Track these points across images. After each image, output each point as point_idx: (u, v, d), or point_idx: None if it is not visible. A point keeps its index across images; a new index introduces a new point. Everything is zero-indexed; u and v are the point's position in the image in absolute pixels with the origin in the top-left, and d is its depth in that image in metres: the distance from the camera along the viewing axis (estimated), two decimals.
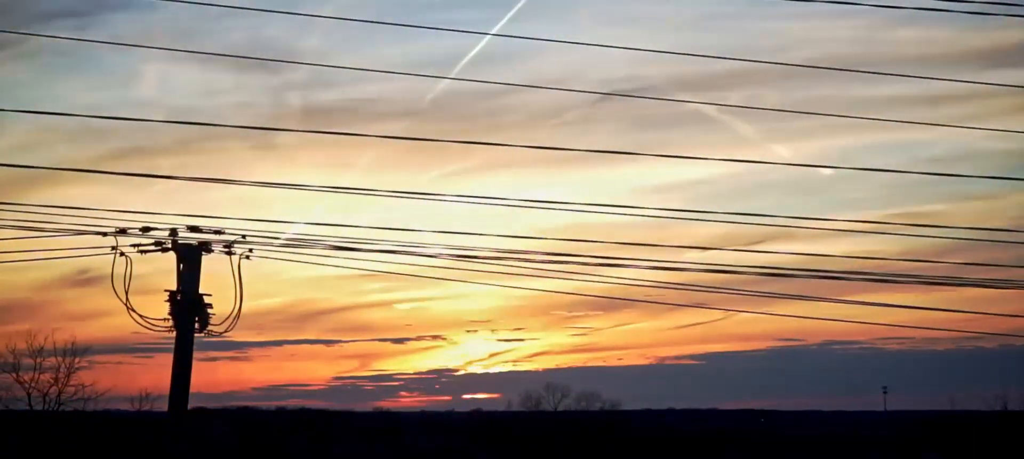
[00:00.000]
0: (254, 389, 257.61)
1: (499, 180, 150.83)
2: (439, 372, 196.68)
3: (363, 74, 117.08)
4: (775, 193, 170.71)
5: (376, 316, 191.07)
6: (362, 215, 25.55)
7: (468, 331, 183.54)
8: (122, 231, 23.01)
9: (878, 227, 30.66)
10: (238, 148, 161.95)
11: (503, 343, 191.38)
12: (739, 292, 27.60)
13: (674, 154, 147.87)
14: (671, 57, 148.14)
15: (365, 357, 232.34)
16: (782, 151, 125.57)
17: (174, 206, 24.46)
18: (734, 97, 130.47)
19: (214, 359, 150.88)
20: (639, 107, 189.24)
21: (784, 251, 27.88)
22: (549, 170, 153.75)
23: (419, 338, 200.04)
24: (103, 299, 24.06)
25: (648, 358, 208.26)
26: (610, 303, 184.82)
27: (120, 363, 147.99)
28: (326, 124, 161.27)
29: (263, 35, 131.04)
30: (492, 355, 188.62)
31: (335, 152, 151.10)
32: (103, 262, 23.14)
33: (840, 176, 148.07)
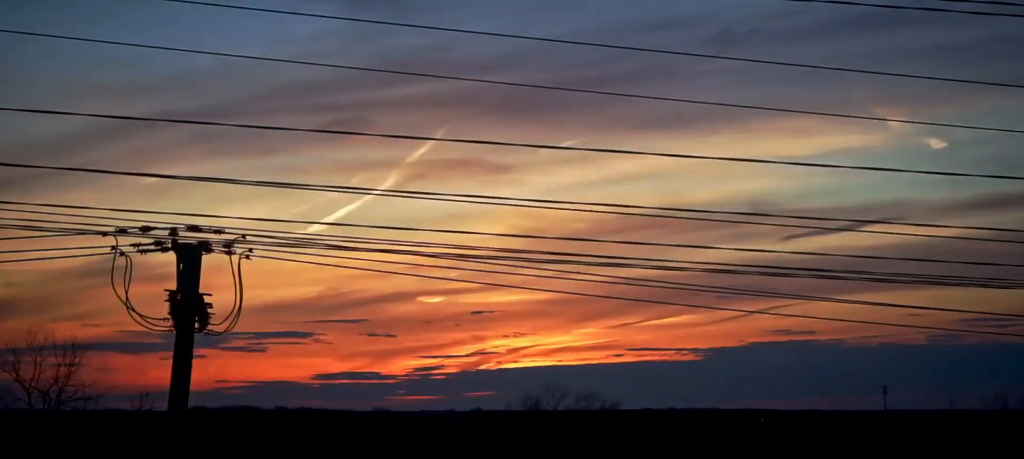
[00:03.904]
0: (249, 388, 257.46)
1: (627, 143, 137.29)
2: (439, 371, 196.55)
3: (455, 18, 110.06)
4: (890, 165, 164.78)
5: (375, 314, 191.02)
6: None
7: (468, 330, 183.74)
8: (122, 230, 23.01)
9: (882, 227, 30.60)
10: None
11: (503, 342, 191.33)
12: (739, 292, 27.57)
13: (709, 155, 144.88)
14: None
15: (364, 356, 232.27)
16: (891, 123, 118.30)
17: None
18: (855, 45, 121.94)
19: (208, 358, 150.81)
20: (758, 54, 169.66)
21: (786, 251, 27.83)
22: (689, 132, 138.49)
23: (418, 336, 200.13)
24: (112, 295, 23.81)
25: (649, 357, 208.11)
26: (611, 303, 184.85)
27: (106, 366, 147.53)
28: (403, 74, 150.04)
29: None
30: (495, 354, 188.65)
31: (414, 115, 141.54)
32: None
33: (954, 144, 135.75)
